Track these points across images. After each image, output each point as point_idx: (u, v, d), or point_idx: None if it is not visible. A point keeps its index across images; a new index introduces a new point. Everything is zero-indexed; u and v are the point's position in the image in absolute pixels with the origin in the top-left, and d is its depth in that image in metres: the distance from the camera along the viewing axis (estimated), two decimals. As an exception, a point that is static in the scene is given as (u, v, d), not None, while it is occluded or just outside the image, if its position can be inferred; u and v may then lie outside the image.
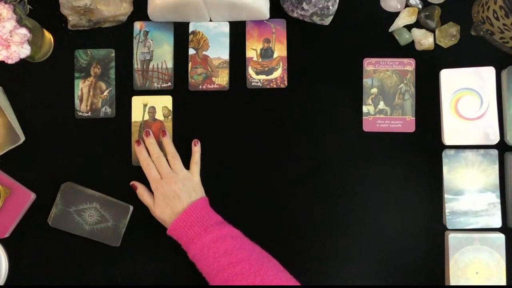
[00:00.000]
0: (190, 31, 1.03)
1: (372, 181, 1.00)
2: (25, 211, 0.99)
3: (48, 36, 1.01)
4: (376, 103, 1.01)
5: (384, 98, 1.01)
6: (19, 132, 0.98)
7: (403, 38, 1.01)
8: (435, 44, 1.01)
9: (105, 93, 1.02)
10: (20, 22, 0.88)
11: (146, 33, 1.03)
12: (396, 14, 1.02)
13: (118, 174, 1.00)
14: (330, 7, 0.96)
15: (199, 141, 0.99)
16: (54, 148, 1.01)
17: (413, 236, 0.99)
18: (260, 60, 1.02)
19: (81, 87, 1.02)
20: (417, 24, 1.02)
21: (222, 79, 1.02)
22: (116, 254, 0.99)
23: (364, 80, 1.02)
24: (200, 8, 0.98)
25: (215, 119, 1.01)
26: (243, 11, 0.99)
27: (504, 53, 1.01)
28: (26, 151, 1.00)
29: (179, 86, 1.02)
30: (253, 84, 1.02)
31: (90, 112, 1.01)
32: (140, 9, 1.01)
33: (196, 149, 0.99)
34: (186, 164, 0.98)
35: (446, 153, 0.98)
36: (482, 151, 0.98)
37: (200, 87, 1.02)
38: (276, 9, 1.01)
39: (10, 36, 0.87)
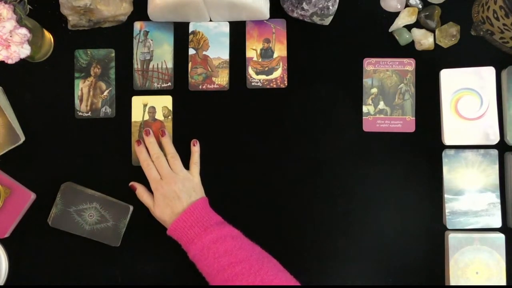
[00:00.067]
0: (190, 31, 1.03)
1: (372, 181, 1.00)
2: (25, 211, 0.99)
3: (48, 36, 1.01)
4: (376, 103, 1.01)
5: (384, 98, 1.01)
6: (19, 132, 0.98)
7: (403, 38, 1.01)
8: (435, 44, 1.01)
9: (105, 93, 1.02)
10: (20, 22, 0.88)
11: (146, 33, 1.03)
12: (396, 14, 1.02)
13: (118, 174, 1.00)
14: (330, 7, 0.96)
15: (198, 141, 0.99)
16: (54, 148, 1.01)
17: (413, 236, 0.99)
18: (260, 60, 1.02)
19: (81, 87, 1.02)
20: (417, 24, 1.02)
21: (222, 79, 1.02)
22: (116, 254, 0.99)
23: (364, 80, 1.02)
24: (200, 8, 0.98)
25: (215, 119, 1.01)
26: (243, 11, 0.99)
27: (504, 53, 1.01)
28: (26, 151, 1.00)
29: (179, 86, 1.02)
30: (253, 84, 1.02)
31: (90, 112, 1.01)
32: (140, 9, 1.01)
33: (195, 149, 0.99)
34: (186, 164, 0.98)
35: (446, 153, 0.98)
36: (482, 151, 0.98)
37: (200, 87, 1.02)
38: (276, 9, 1.01)
39: (10, 36, 0.87)
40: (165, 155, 0.97)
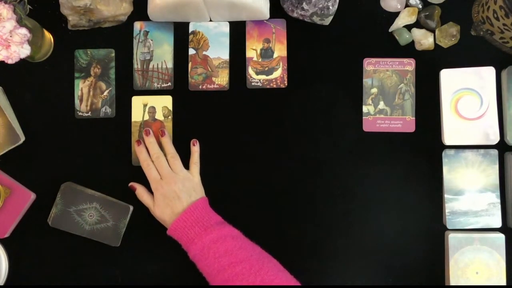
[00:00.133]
0: (190, 31, 1.03)
1: (372, 181, 1.00)
2: (25, 211, 0.99)
3: (48, 36, 1.01)
4: (376, 103, 1.01)
5: (384, 98, 1.01)
6: (19, 132, 0.98)
7: (403, 38, 1.01)
8: (435, 44, 1.01)
9: (105, 93, 1.02)
10: (20, 22, 0.88)
11: (146, 33, 1.03)
12: (396, 14, 1.02)
13: (118, 174, 1.00)
14: (330, 7, 0.96)
15: (197, 141, 0.99)
16: (54, 148, 1.01)
17: (413, 236, 0.99)
18: (260, 60, 1.02)
19: (81, 87, 1.02)
20: (417, 24, 1.02)
21: (222, 79, 1.02)
22: (116, 254, 0.99)
23: (364, 80, 1.02)
24: (200, 8, 0.98)
25: (215, 119, 1.01)
26: (243, 11, 0.99)
27: (504, 53, 1.01)
28: (26, 151, 1.00)
29: (179, 86, 1.02)
30: (253, 84, 1.02)
31: (90, 112, 1.01)
32: (140, 9, 1.01)
33: (195, 149, 0.99)
34: (186, 164, 0.98)
35: (446, 153, 0.98)
36: (482, 151, 0.98)
37: (200, 87, 1.02)
38: (276, 9, 1.01)
39: (10, 36, 0.86)
40: (165, 155, 0.97)
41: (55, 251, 0.99)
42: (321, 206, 1.00)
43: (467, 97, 0.98)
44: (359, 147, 1.01)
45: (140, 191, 0.97)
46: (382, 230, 0.99)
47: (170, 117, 1.01)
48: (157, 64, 1.02)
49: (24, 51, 0.89)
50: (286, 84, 1.02)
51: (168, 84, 1.02)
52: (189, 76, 1.02)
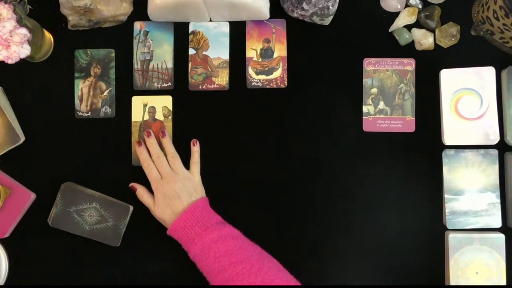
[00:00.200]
0: (190, 31, 1.03)
1: (372, 181, 1.00)
2: (25, 211, 0.99)
3: (48, 36, 1.01)
4: (376, 103, 1.01)
5: (384, 98, 1.01)
6: (19, 132, 0.98)
7: (403, 38, 1.01)
8: (435, 44, 1.01)
9: (105, 93, 1.02)
10: (20, 22, 0.88)
11: (146, 33, 1.03)
12: (396, 14, 1.02)
13: (118, 174, 1.00)
14: (330, 7, 0.96)
15: (197, 141, 0.99)
16: (54, 148, 1.01)
17: (413, 236, 0.99)
18: (260, 60, 1.02)
19: (81, 87, 1.02)
20: (417, 24, 1.02)
21: (222, 79, 1.02)
22: (116, 254, 0.99)
23: (364, 80, 1.02)
24: (200, 8, 0.98)
25: (215, 119, 1.01)
26: (243, 11, 0.99)
27: (504, 53, 1.01)
28: (26, 151, 1.00)
29: (179, 86, 1.02)
30: (253, 84, 1.02)
31: (90, 112, 1.01)
32: (140, 9, 1.01)
33: (195, 149, 0.99)
34: (187, 164, 0.98)
35: (446, 153, 0.98)
36: (482, 151, 0.98)
37: (200, 87, 1.02)
38: (276, 9, 1.01)
39: (10, 36, 0.86)
40: (165, 155, 0.97)
41: (55, 251, 0.99)
42: (321, 206, 1.00)
43: (467, 97, 0.98)
44: (359, 147, 1.01)
45: (141, 192, 0.97)
46: (382, 230, 0.99)
47: (170, 117, 1.01)
48: (157, 64, 1.02)
49: (24, 51, 0.89)
50: (286, 84, 1.02)
51: (168, 84, 1.02)
52: (189, 76, 1.02)
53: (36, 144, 1.00)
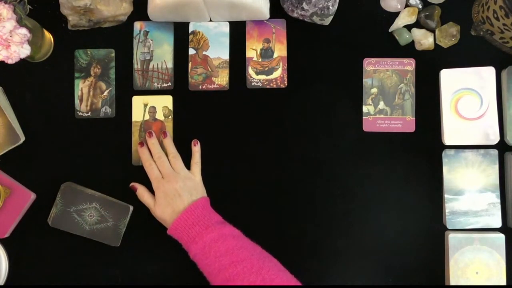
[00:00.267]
0: (190, 31, 1.03)
1: (372, 181, 1.00)
2: (25, 211, 0.99)
3: (48, 36, 1.01)
4: (376, 103, 1.01)
5: (384, 98, 1.01)
6: (19, 132, 0.98)
7: (403, 38, 1.01)
8: (435, 44, 1.01)
9: (105, 93, 1.02)
10: (20, 22, 0.88)
11: (146, 33, 1.03)
12: (396, 14, 1.02)
13: (118, 174, 1.00)
14: (330, 7, 0.96)
15: (198, 141, 0.99)
16: (54, 148, 1.01)
17: (413, 236, 0.99)
18: (260, 60, 1.02)
19: (81, 87, 1.02)
20: (417, 24, 1.02)
21: (222, 79, 1.02)
22: (116, 254, 0.99)
23: (364, 80, 1.02)
24: (200, 8, 0.98)
25: (215, 119, 1.01)
26: (243, 11, 0.99)
27: (504, 53, 1.01)
28: (26, 151, 1.00)
29: (179, 86, 1.02)
30: (253, 84, 1.02)
31: (90, 112, 1.01)
32: (140, 9, 1.01)
33: (196, 149, 0.99)
34: (187, 164, 0.98)
35: (446, 153, 0.98)
36: (482, 151, 0.98)
37: (200, 87, 1.02)
38: (276, 9, 1.01)
39: (10, 36, 0.86)
40: (166, 155, 0.97)
41: (55, 251, 0.99)
42: (321, 206, 1.00)
43: (467, 97, 0.98)
44: (359, 147, 1.01)
45: (141, 191, 0.97)
46: (382, 230, 0.99)
47: (170, 117, 1.01)
48: (157, 64, 1.02)
49: (24, 51, 0.89)
50: (286, 84, 1.02)
51: (168, 84, 1.02)
52: (189, 76, 1.02)
53: (36, 144, 1.00)
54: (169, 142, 0.99)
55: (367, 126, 1.01)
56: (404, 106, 1.01)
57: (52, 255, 0.99)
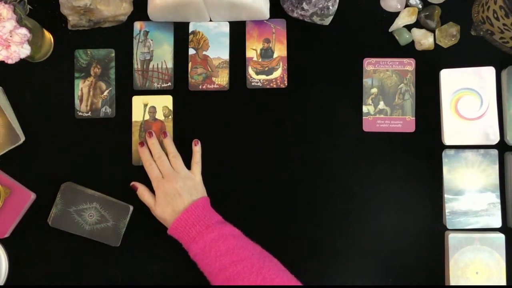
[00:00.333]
0: (190, 31, 1.03)
1: (372, 181, 1.00)
2: (25, 211, 0.99)
3: (48, 36, 1.01)
4: (376, 103, 1.01)
5: (384, 98, 1.01)
6: (19, 132, 0.98)
7: (403, 38, 1.01)
8: (435, 44, 1.01)
9: (105, 93, 1.02)
10: (20, 22, 0.88)
11: (146, 33, 1.03)
12: (396, 14, 1.02)
13: (118, 174, 1.00)
14: (330, 7, 0.96)
15: (199, 141, 0.99)
16: (54, 148, 1.01)
17: (413, 236, 0.99)
18: (260, 60, 1.02)
19: (81, 87, 1.02)
20: (417, 24, 1.02)
21: (222, 79, 1.02)
22: (116, 254, 0.99)
23: (364, 80, 1.02)
24: (200, 8, 0.98)
25: (215, 119, 1.01)
26: (243, 11, 0.99)
27: (504, 53, 1.01)
28: (26, 151, 1.00)
29: (179, 86, 1.02)
30: (253, 84, 1.02)
31: (90, 112, 1.01)
32: (140, 9, 1.01)
33: (197, 149, 0.99)
34: (187, 164, 0.98)
35: (446, 153, 0.98)
36: (482, 151, 0.98)
37: (200, 87, 1.02)
38: (276, 9, 1.01)
39: (10, 36, 0.86)
40: (167, 155, 0.97)
41: (55, 251, 0.99)
42: (321, 206, 1.00)
43: (467, 97, 0.98)
44: (359, 147, 1.01)
45: (142, 191, 0.97)
46: (382, 230, 0.99)
47: (170, 116, 1.01)
48: (157, 64, 1.02)
49: (24, 51, 0.89)
50: (286, 84, 1.02)
51: (168, 84, 1.02)
52: (189, 76, 1.02)
53: (36, 144, 1.00)
54: (169, 142, 0.99)
55: (367, 126, 1.01)
56: (404, 106, 1.01)
57: (52, 255, 0.99)
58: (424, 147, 1.00)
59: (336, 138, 1.01)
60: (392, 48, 1.02)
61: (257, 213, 1.00)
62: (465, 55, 1.01)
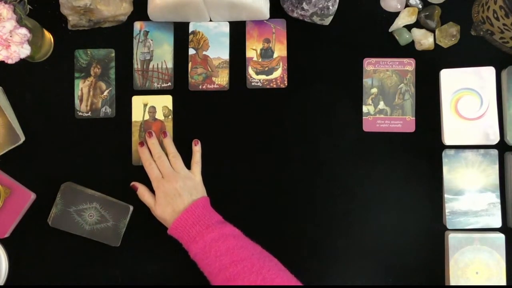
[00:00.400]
0: (190, 31, 1.03)
1: (372, 181, 1.00)
2: (25, 211, 0.99)
3: (48, 36, 1.01)
4: (376, 103, 1.01)
5: (384, 98, 1.01)
6: (19, 132, 0.98)
7: (403, 38, 1.01)
8: (435, 44, 1.01)
9: (105, 93, 1.02)
10: (20, 22, 0.88)
11: (146, 33, 1.03)
12: (396, 14, 1.02)
13: (118, 174, 1.00)
14: (330, 7, 0.96)
15: (199, 141, 0.99)
16: (54, 148, 1.01)
17: (413, 236, 0.99)
18: (260, 60, 1.02)
19: (81, 87, 1.02)
20: (417, 24, 1.02)
21: (222, 79, 1.02)
22: (116, 254, 0.99)
23: (364, 80, 1.02)
24: (200, 8, 0.98)
25: (215, 119, 1.01)
26: (243, 11, 0.99)
27: (504, 53, 1.01)
28: (26, 151, 1.00)
29: (179, 86, 1.02)
30: (253, 84, 1.02)
31: (90, 112, 1.01)
32: (140, 9, 1.01)
33: (197, 149, 0.99)
34: (187, 164, 0.98)
35: (446, 153, 0.98)
36: (482, 151, 0.98)
37: (200, 87, 1.02)
38: (276, 9, 1.01)
39: (10, 36, 0.86)
40: (167, 155, 0.97)
41: (55, 251, 0.99)
42: (321, 206, 1.00)
43: (467, 97, 0.98)
44: (359, 147, 1.01)
45: (142, 191, 0.97)
46: (382, 230, 0.99)
47: (170, 116, 1.01)
48: (157, 64, 1.02)
49: (24, 51, 0.89)
50: (286, 84, 1.02)
51: (168, 84, 1.02)
52: (189, 76, 1.02)
53: (36, 144, 1.00)
54: (169, 142, 0.99)
55: (367, 126, 1.01)
56: (404, 106, 1.01)
57: (52, 255, 0.99)
58: (424, 147, 1.00)
59: (336, 138, 1.01)
60: (392, 48, 1.02)
61: (257, 213, 1.00)
62: (465, 55, 1.01)
